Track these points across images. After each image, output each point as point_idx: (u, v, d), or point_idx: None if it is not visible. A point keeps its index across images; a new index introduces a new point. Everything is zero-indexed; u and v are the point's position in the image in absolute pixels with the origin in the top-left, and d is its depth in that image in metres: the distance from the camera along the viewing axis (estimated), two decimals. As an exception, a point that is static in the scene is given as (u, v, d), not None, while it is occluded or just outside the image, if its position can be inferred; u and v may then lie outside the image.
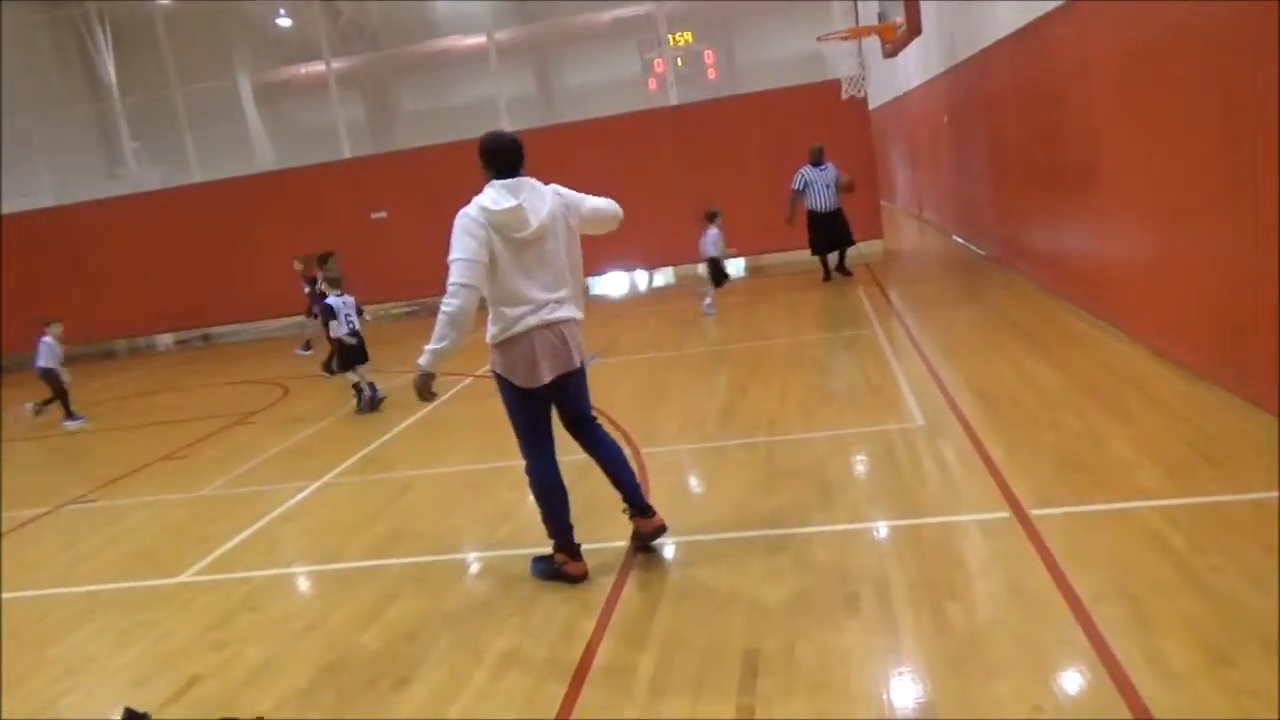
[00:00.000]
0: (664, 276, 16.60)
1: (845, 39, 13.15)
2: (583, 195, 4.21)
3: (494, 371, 4.08)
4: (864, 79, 13.91)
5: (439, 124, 16.92)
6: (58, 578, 5.30)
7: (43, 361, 10.01)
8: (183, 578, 4.96)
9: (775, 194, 13.75)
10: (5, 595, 5.12)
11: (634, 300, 15.13)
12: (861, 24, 13.47)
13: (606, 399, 7.53)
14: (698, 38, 17.75)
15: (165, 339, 17.96)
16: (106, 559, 5.54)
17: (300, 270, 12.02)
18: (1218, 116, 5.07)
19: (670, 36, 16.40)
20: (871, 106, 15.49)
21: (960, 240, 14.01)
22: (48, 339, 10.06)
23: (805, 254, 12.95)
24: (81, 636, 4.41)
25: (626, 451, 5.95)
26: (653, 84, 17.22)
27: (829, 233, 12.17)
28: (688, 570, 4.16)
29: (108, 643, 4.29)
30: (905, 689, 2.99)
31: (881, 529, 4.33)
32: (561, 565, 4.18)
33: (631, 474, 4.38)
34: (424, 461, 6.66)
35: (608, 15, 18.14)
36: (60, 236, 16.45)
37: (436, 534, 5.13)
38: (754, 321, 10.51)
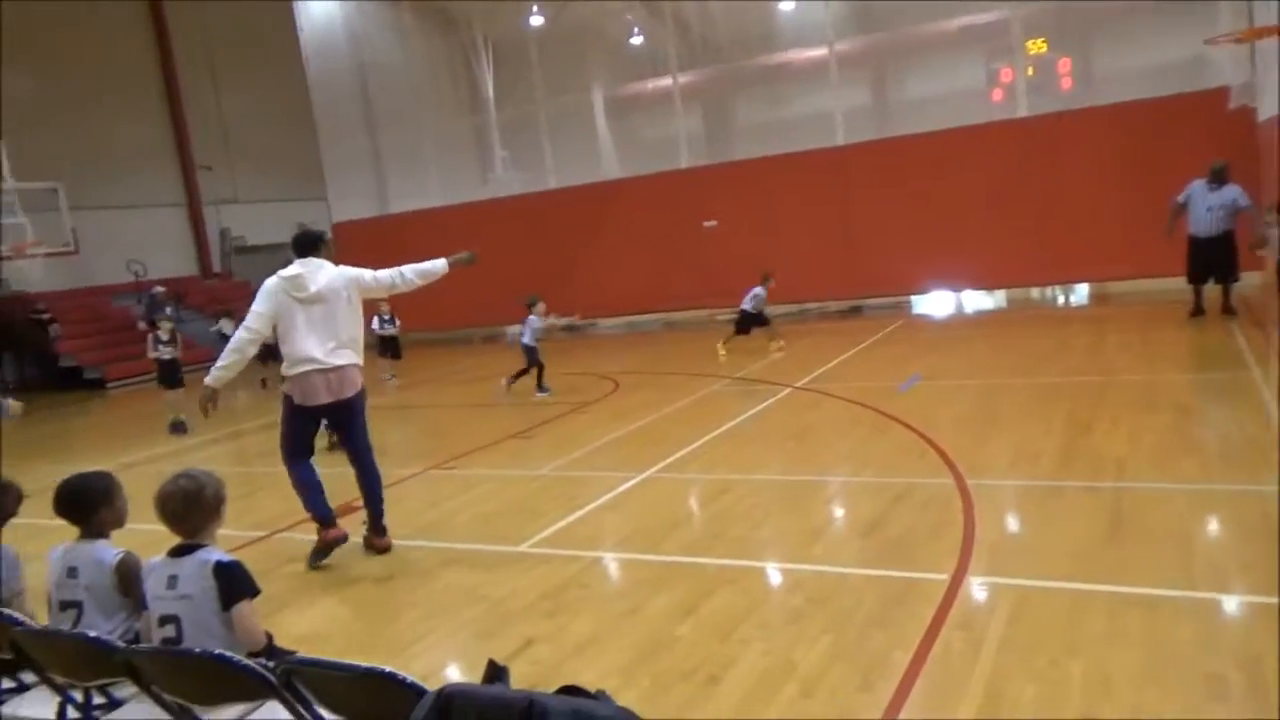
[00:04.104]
0: (995, 299, 15.64)
1: (1239, 42, 11.58)
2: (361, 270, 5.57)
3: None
4: (1255, 85, 12.17)
5: (774, 135, 17.20)
6: (420, 532, 6.07)
7: (526, 339, 10.69)
8: (522, 547, 5.47)
9: (1128, 215, 12.49)
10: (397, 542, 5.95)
11: (961, 322, 14.41)
12: (1258, 24, 11.79)
13: (929, 423, 7.26)
14: (1053, 45, 16.49)
15: (514, 329, 19.85)
16: (460, 520, 6.27)
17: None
18: None
19: (1026, 43, 15.38)
20: (1263, 117, 13.51)
21: (1374, 276, 11.82)
22: (532, 316, 10.62)
23: (1165, 283, 11.60)
24: (438, 587, 5.02)
25: (950, 480, 5.75)
26: (997, 95, 16.25)
27: (1207, 261, 10.70)
28: (1016, 616, 3.88)
29: (458, 596, 4.84)
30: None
31: (1252, 604, 3.78)
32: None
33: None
34: (743, 466, 6.82)
35: (955, 23, 17.38)
36: (442, 232, 18.77)
37: (750, 540, 5.23)
38: (1100, 354, 9.58)
